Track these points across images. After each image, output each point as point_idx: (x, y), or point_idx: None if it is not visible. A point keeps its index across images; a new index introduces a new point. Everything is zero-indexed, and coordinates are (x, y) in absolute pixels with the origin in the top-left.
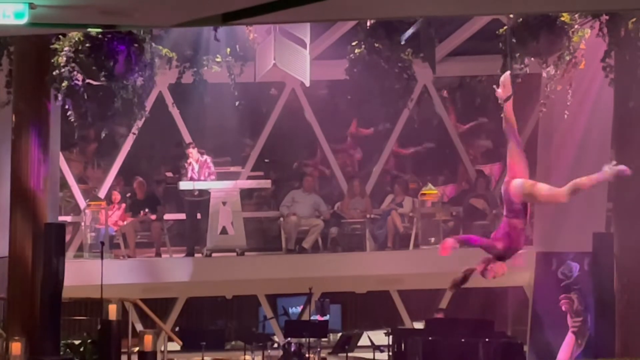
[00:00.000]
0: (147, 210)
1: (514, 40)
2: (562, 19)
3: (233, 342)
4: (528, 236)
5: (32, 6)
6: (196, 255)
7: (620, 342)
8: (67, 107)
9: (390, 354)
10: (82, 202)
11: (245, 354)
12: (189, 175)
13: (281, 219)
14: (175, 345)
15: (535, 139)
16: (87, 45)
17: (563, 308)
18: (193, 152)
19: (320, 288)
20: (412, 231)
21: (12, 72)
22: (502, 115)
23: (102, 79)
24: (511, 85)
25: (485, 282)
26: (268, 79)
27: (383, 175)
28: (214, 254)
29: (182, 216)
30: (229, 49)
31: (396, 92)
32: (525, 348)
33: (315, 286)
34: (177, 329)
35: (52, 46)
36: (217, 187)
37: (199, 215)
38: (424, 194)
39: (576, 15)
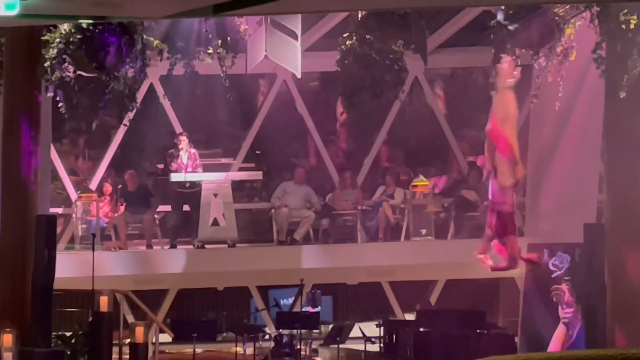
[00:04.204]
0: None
1: (505, 32)
2: (554, 10)
3: (224, 334)
4: (519, 227)
5: None
6: (187, 246)
7: (611, 333)
8: (58, 98)
9: (382, 345)
10: (73, 194)
11: (236, 346)
12: (176, 165)
13: (272, 210)
14: (166, 337)
15: (527, 131)
16: (78, 36)
17: (554, 299)
18: (183, 142)
19: (311, 279)
20: (403, 223)
21: (3, 63)
22: None
23: (93, 70)
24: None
25: (476, 274)
26: (259, 70)
27: (374, 167)
28: (205, 246)
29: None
30: (220, 41)
31: (387, 84)
32: (517, 339)
33: (307, 278)
34: (168, 320)
35: (43, 38)
36: (209, 179)
37: (187, 207)
38: (415, 185)
39: (567, 7)
